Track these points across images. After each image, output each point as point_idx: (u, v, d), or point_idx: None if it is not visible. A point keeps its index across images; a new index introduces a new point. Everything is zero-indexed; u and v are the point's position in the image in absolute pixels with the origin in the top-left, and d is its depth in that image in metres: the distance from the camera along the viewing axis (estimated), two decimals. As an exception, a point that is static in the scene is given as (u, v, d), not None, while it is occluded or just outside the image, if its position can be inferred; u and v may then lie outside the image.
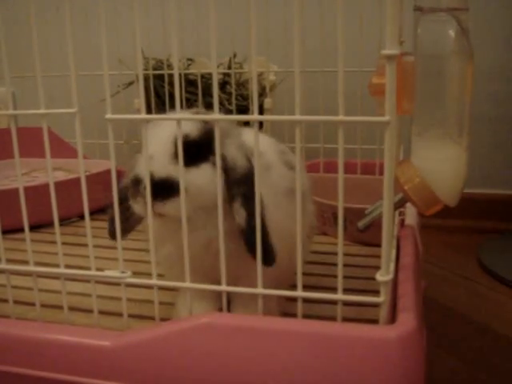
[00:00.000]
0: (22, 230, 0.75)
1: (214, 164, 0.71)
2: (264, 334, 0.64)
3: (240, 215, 0.71)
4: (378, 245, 0.62)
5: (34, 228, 1.16)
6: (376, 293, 0.64)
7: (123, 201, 0.73)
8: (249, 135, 0.78)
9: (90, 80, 1.48)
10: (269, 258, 0.71)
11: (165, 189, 0.69)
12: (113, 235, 0.78)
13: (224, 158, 0.72)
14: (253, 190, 0.66)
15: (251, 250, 0.69)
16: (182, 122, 0.66)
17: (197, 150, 0.71)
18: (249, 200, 0.69)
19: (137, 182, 0.70)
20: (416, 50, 0.82)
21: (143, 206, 0.69)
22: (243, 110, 1.60)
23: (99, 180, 1.33)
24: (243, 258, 0.72)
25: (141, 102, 0.67)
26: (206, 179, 0.71)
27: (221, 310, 0.74)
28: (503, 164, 1.85)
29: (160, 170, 0.69)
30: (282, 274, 0.78)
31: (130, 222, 0.80)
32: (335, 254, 0.64)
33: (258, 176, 0.64)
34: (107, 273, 0.74)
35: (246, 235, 0.70)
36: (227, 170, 0.72)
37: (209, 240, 0.74)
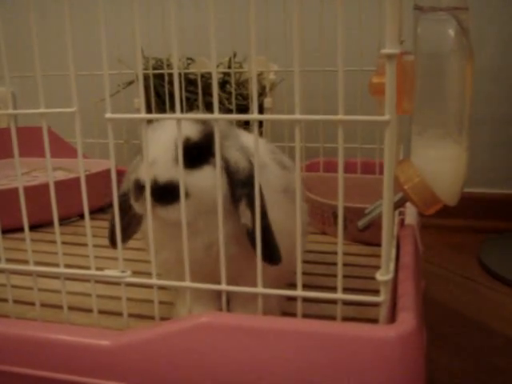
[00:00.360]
0: (21, 229, 0.75)
1: (215, 166, 0.71)
2: (264, 334, 0.64)
3: (246, 216, 0.71)
4: (378, 244, 0.62)
5: (33, 227, 1.16)
6: (376, 292, 0.64)
7: (123, 207, 0.73)
8: (246, 137, 0.78)
9: (90, 79, 1.48)
10: (275, 257, 0.71)
11: (168, 193, 0.68)
12: (113, 242, 0.78)
13: (226, 161, 0.72)
14: None
15: (255, 249, 0.69)
16: (183, 125, 0.66)
17: (198, 152, 0.71)
18: (254, 200, 0.69)
19: (138, 185, 0.70)
20: (416, 49, 0.82)
21: (146, 209, 0.69)
22: (243, 109, 1.60)
23: (99, 179, 1.33)
24: (244, 261, 0.72)
25: (141, 101, 0.67)
26: (208, 181, 0.71)
27: (220, 311, 0.74)
28: (503, 163, 1.85)
29: (163, 174, 0.69)
30: (281, 274, 0.78)
31: (131, 228, 0.80)
32: (335, 253, 0.64)
33: (257, 176, 0.64)
34: (107, 272, 0.74)
35: (253, 235, 0.70)
36: (230, 173, 0.72)
37: (210, 244, 0.74)
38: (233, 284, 0.70)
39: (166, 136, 0.71)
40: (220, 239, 0.67)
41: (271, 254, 0.70)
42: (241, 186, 0.72)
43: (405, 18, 0.83)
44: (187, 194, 0.68)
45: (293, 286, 0.68)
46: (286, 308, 0.82)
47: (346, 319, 0.66)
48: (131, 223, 0.79)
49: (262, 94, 1.54)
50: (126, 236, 0.80)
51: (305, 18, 1.32)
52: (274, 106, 1.53)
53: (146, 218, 0.69)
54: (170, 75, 1.57)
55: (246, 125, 1.51)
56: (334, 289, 0.65)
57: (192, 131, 0.71)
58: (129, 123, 1.60)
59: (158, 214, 0.69)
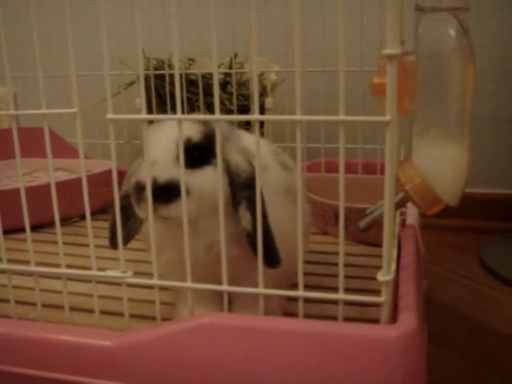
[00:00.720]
0: (23, 230, 0.75)
1: (216, 167, 0.71)
2: (265, 334, 0.64)
3: (246, 219, 0.71)
4: (379, 244, 0.62)
5: (35, 228, 1.16)
6: (377, 292, 0.64)
7: (124, 208, 0.73)
8: (247, 138, 0.78)
9: (91, 80, 1.48)
10: (274, 261, 0.71)
11: (169, 191, 0.68)
12: (113, 244, 0.78)
13: (227, 163, 0.72)
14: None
15: (256, 252, 0.69)
16: (184, 126, 0.66)
17: (200, 152, 0.71)
18: (254, 203, 0.68)
19: (139, 187, 0.69)
20: (417, 49, 0.82)
21: (146, 210, 0.69)
22: (244, 109, 1.60)
23: (100, 180, 1.33)
24: (245, 262, 0.72)
25: (142, 101, 0.67)
26: (210, 181, 0.70)
27: (222, 312, 0.74)
28: (505, 163, 1.84)
29: (164, 174, 0.69)
30: (283, 274, 0.78)
31: (132, 229, 0.79)
32: (336, 253, 0.64)
33: (259, 177, 0.64)
34: (108, 273, 0.74)
35: (253, 238, 0.69)
36: (231, 175, 0.72)
37: (211, 244, 0.74)
38: (234, 285, 0.70)
39: (166, 136, 0.71)
40: (221, 240, 0.67)
41: (271, 258, 0.70)
42: (241, 188, 0.72)
43: (406, 18, 0.83)
44: (188, 192, 0.68)
45: (294, 286, 0.68)
46: (287, 308, 0.82)
47: (347, 319, 0.66)
48: (132, 224, 0.79)
49: (263, 94, 1.54)
50: (127, 237, 0.80)
51: (306, 19, 1.32)
52: (275, 107, 1.53)
53: (147, 218, 0.69)
54: (171, 76, 1.57)
55: (247, 125, 1.51)
56: (335, 289, 0.65)
57: (193, 132, 0.71)
58: (130, 124, 1.60)
59: (159, 213, 0.69)
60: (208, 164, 0.72)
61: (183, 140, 0.66)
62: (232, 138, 0.76)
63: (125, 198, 0.74)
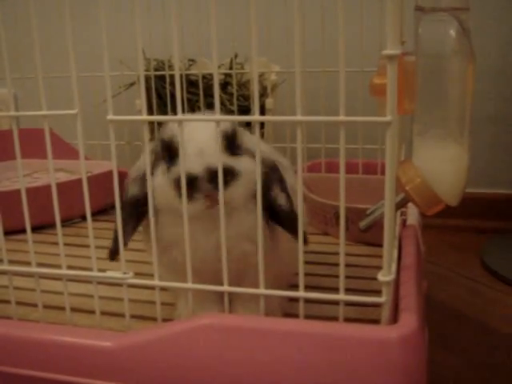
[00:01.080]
0: (24, 231, 0.75)
1: (249, 155, 0.74)
2: (266, 335, 0.64)
3: (281, 198, 0.74)
4: (380, 245, 0.62)
5: (36, 229, 1.16)
6: (378, 293, 0.64)
7: (132, 211, 0.74)
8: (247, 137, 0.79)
9: (92, 81, 1.48)
10: (304, 238, 0.72)
11: (226, 176, 0.68)
12: (112, 255, 0.78)
13: (251, 152, 0.74)
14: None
15: (293, 229, 0.70)
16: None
17: (236, 144, 0.74)
18: (285, 184, 0.73)
19: (190, 179, 0.68)
20: (417, 49, 0.82)
21: (201, 202, 0.69)
22: (245, 110, 1.60)
23: (101, 181, 1.33)
24: (256, 259, 0.72)
25: (142, 102, 0.67)
26: (252, 164, 0.71)
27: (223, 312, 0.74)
28: (505, 163, 1.84)
29: (215, 162, 0.68)
30: (283, 274, 0.78)
31: (127, 234, 0.78)
32: (337, 254, 0.64)
33: (259, 178, 0.64)
34: (109, 274, 0.74)
35: (289, 215, 0.74)
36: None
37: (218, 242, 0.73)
38: (234, 285, 0.70)
39: (209, 129, 0.71)
40: (222, 240, 0.67)
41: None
42: (271, 172, 0.75)
43: (406, 18, 0.83)
44: (237, 176, 0.70)
45: (295, 287, 0.68)
46: (287, 309, 0.82)
47: (348, 320, 0.66)
48: (127, 226, 0.78)
49: (263, 94, 1.54)
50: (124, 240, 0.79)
51: (306, 19, 1.33)
52: (276, 107, 1.53)
53: (162, 215, 0.71)
54: (172, 76, 1.57)
55: (247, 126, 1.51)
56: (335, 290, 0.65)
57: (226, 125, 0.72)
58: (130, 125, 1.60)
59: (217, 199, 0.68)
60: (242, 153, 0.74)
61: (182, 139, 0.66)
62: (244, 132, 0.78)
63: (134, 202, 0.74)
